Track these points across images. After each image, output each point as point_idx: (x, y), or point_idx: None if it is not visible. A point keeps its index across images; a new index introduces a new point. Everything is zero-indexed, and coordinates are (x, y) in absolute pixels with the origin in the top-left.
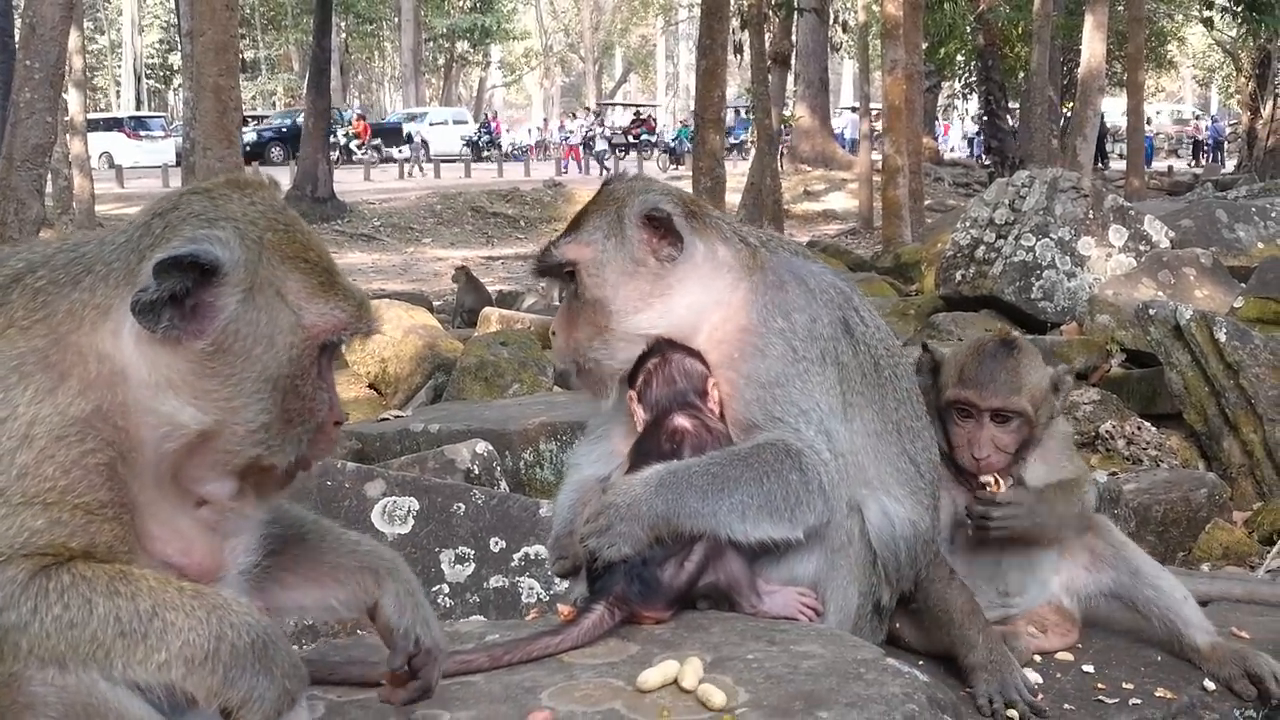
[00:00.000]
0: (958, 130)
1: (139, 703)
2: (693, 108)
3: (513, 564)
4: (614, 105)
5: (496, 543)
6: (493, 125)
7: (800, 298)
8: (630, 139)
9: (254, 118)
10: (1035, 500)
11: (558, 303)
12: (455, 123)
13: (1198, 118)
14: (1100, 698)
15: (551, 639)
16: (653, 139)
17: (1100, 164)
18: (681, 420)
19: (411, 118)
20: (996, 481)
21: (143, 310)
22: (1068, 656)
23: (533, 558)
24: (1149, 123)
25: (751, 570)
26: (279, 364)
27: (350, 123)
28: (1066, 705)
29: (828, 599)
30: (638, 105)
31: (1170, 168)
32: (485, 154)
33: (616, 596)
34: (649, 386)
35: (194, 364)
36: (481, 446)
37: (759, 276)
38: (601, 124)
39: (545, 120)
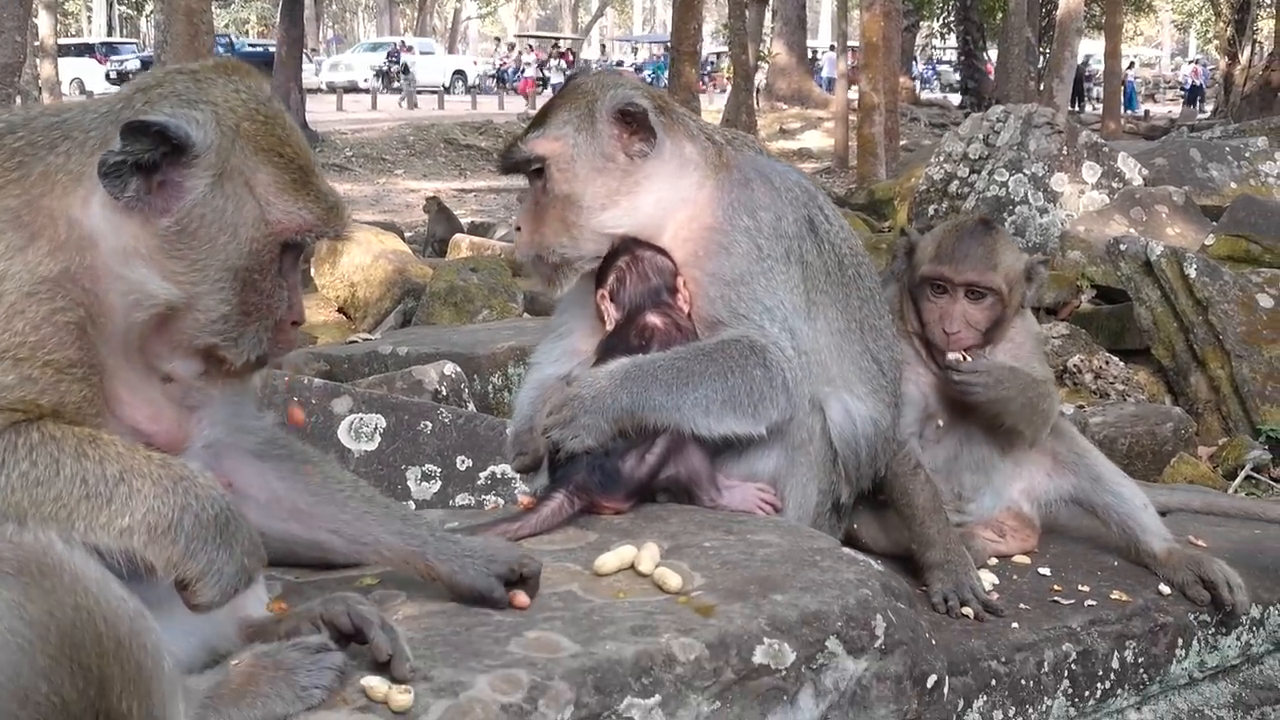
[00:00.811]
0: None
1: (95, 565)
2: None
3: (479, 482)
4: (535, 38)
5: (463, 461)
6: (402, 55)
7: (766, 196)
8: (544, 73)
9: (225, 46)
10: (1008, 374)
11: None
12: (422, 53)
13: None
14: (1056, 599)
15: (510, 525)
16: (557, 78)
17: (1076, 107)
18: (653, 317)
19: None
20: (963, 359)
21: (109, 173)
22: (1025, 559)
23: (499, 476)
24: (1131, 67)
25: (712, 465)
26: (240, 255)
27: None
28: (1022, 605)
29: (787, 495)
30: (557, 37)
31: (1147, 112)
32: (395, 85)
33: (577, 486)
34: (621, 285)
35: (160, 241)
36: (450, 368)
37: (725, 175)
38: (518, 58)
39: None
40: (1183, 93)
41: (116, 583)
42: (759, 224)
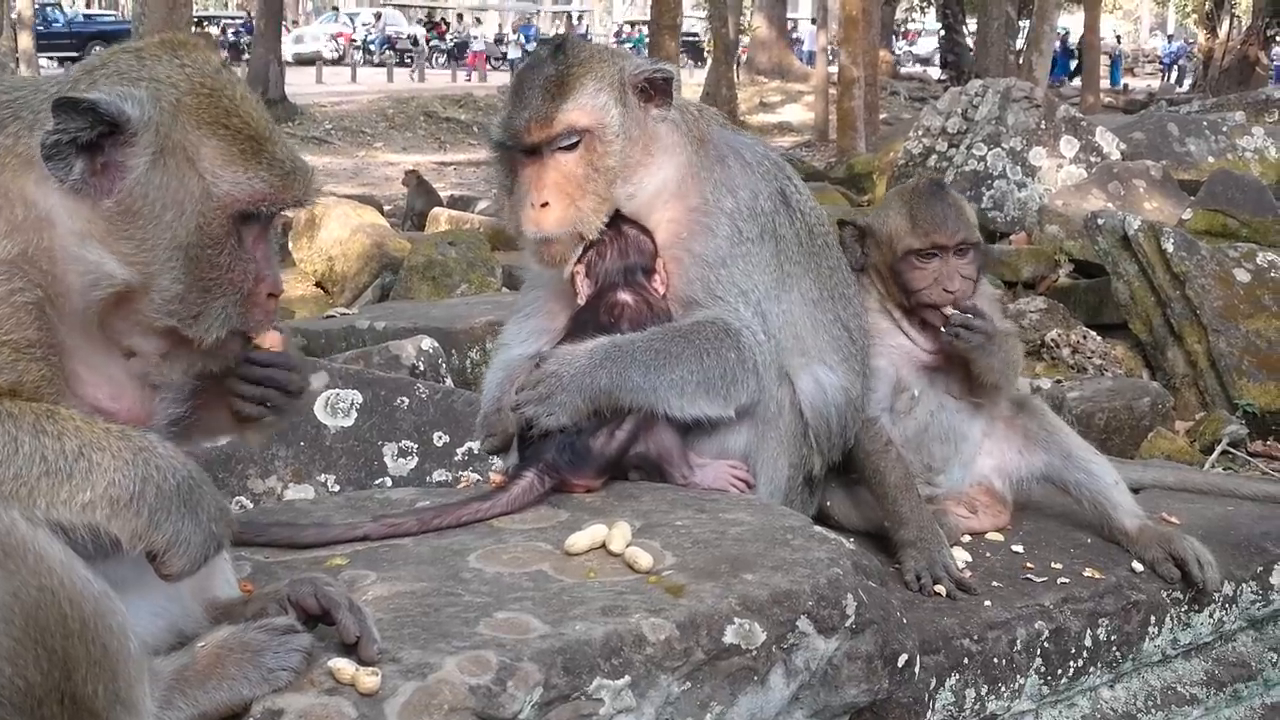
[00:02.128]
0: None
1: (59, 545)
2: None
3: (456, 458)
4: (403, 6)
5: (440, 437)
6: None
7: (742, 174)
8: (411, 43)
9: (204, 18)
10: (994, 328)
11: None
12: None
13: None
14: (1028, 576)
15: (481, 504)
16: (443, 45)
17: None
18: (624, 295)
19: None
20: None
21: (50, 155)
22: (998, 537)
23: (476, 453)
24: (1119, 40)
25: (683, 442)
26: (188, 231)
27: None
28: (995, 583)
29: (758, 471)
30: (430, 5)
31: (1125, 85)
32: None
33: (547, 464)
34: (600, 259)
35: (108, 221)
36: (427, 343)
37: (702, 150)
38: (382, 27)
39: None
40: (1161, 66)
41: (81, 563)
42: (739, 204)
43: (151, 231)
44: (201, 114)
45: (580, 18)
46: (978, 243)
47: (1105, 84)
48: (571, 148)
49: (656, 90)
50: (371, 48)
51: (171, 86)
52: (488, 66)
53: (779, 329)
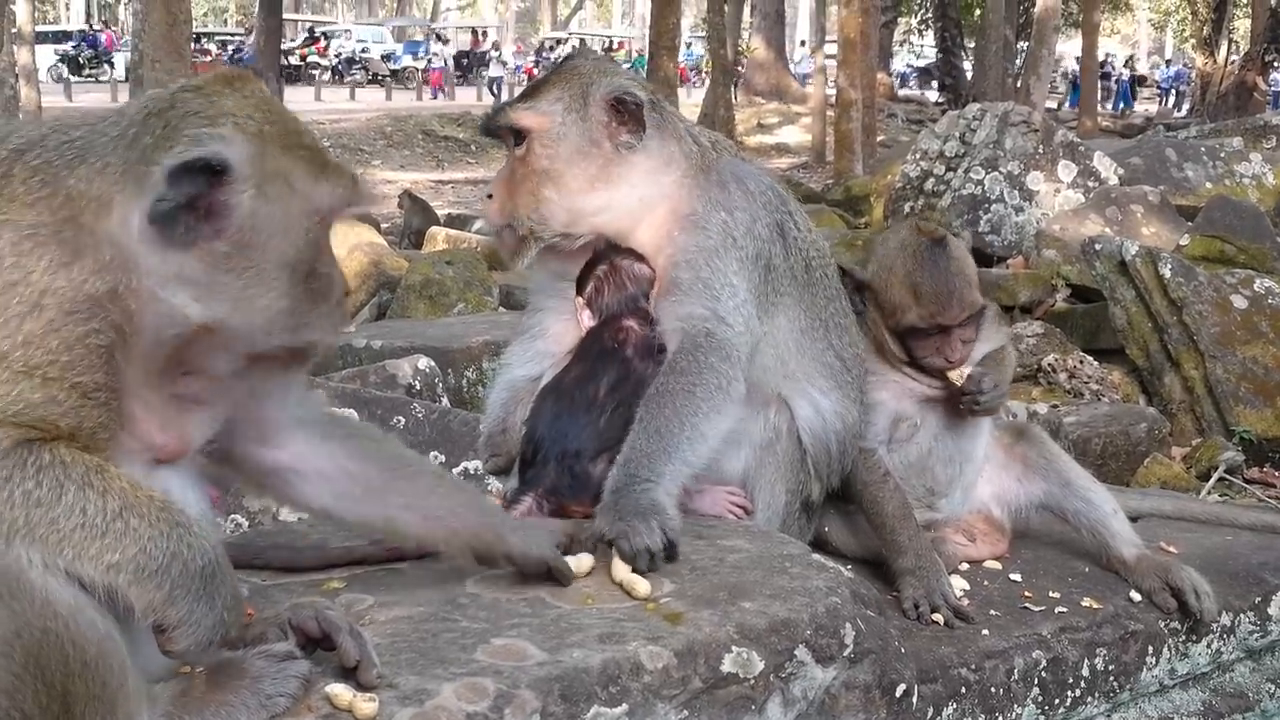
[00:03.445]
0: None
1: (70, 591)
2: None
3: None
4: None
5: (436, 457)
6: (102, 38)
7: (742, 199)
8: (289, 62)
9: (204, 34)
10: (999, 375)
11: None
12: (375, 42)
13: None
14: (1026, 605)
15: None
16: (324, 62)
17: (1115, 107)
18: (629, 321)
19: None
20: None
21: (160, 219)
22: (996, 565)
23: (472, 472)
24: (1128, 64)
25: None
26: (298, 249)
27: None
28: (993, 611)
29: (756, 496)
30: (314, 21)
31: (1124, 110)
32: (87, 72)
33: (546, 489)
34: (599, 294)
35: (209, 262)
36: (424, 362)
37: (704, 177)
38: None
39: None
40: (1159, 91)
41: (91, 605)
42: (735, 220)
43: (257, 258)
44: (281, 139)
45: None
46: (982, 309)
47: (1106, 106)
48: (519, 145)
49: (627, 112)
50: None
51: (249, 118)
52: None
53: (762, 335)
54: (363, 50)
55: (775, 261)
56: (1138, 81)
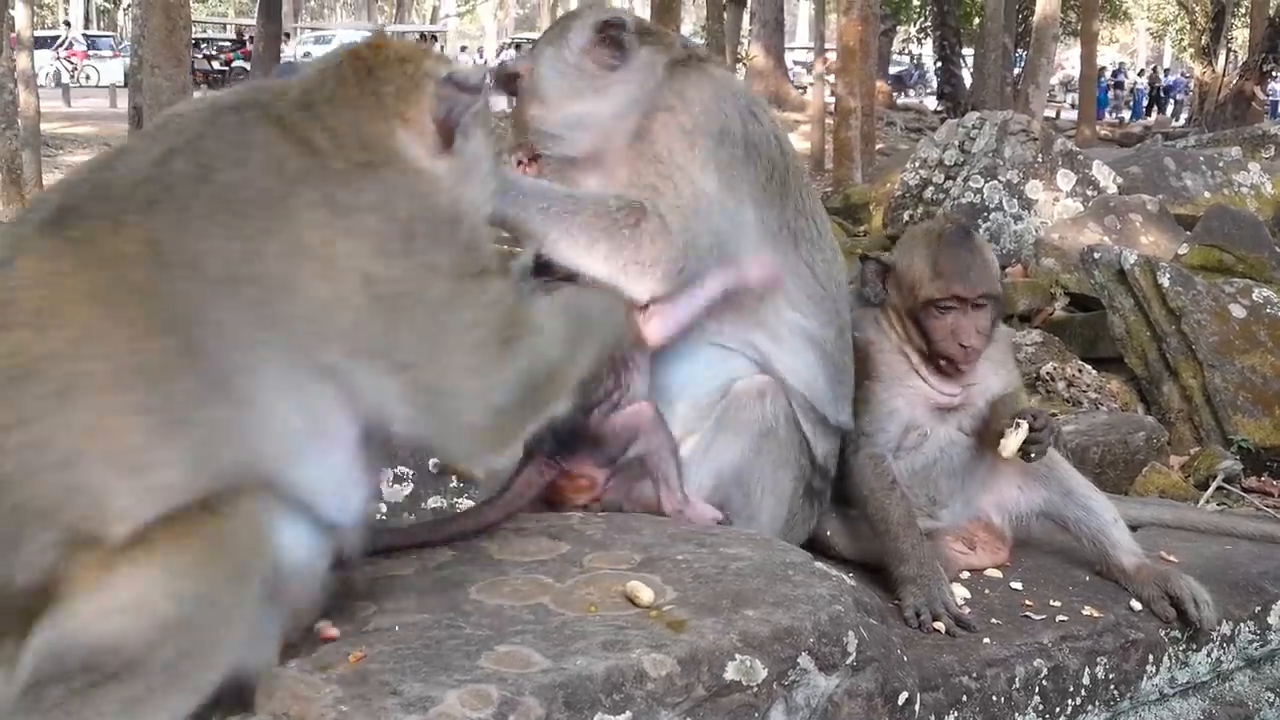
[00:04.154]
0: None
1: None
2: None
3: (451, 484)
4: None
5: (435, 463)
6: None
7: (713, 101)
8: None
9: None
10: (1048, 418)
11: None
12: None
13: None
14: (1027, 614)
15: (488, 509)
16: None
17: (1150, 116)
18: None
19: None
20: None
21: None
22: (997, 573)
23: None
24: (1143, 74)
25: (678, 458)
26: None
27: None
28: (994, 620)
29: (757, 486)
30: (240, 23)
31: (1122, 119)
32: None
33: (546, 455)
34: None
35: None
36: None
37: (679, 79)
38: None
39: None
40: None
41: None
42: (701, 111)
43: None
44: None
45: None
46: (997, 295)
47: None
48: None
49: (608, 37)
50: None
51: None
52: None
53: (726, 226)
54: None
55: (737, 154)
56: (1164, 91)
